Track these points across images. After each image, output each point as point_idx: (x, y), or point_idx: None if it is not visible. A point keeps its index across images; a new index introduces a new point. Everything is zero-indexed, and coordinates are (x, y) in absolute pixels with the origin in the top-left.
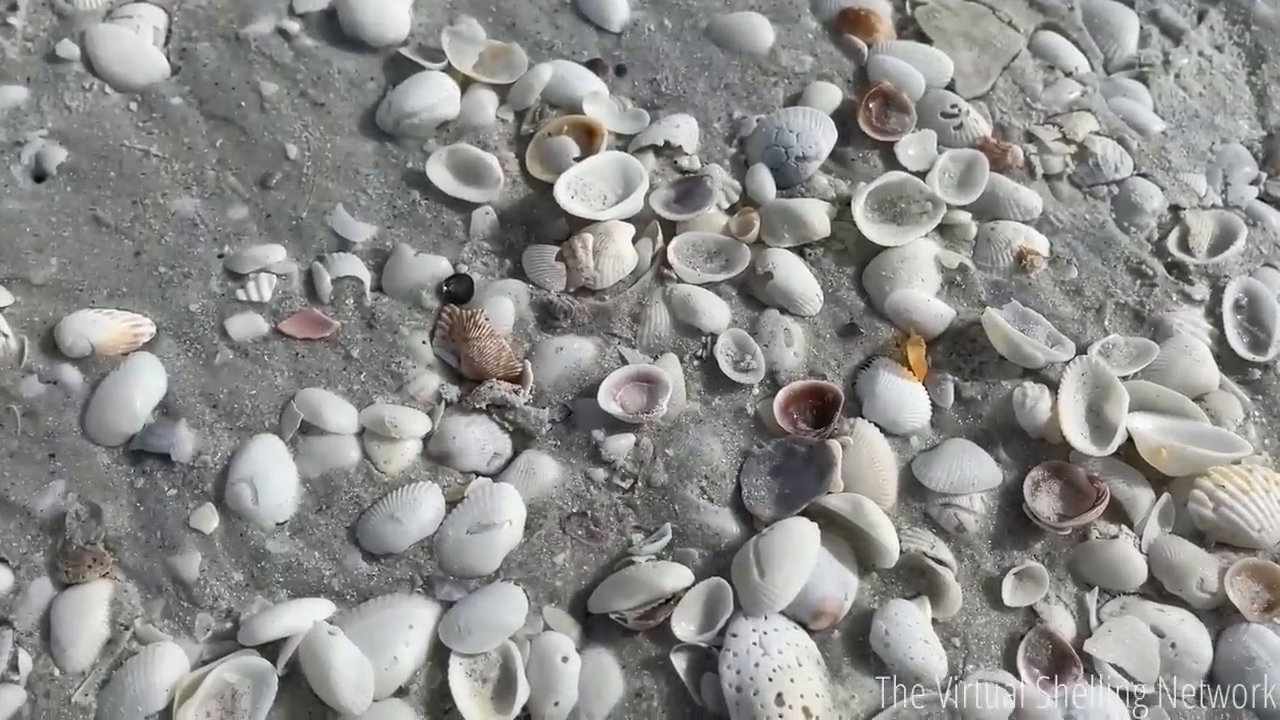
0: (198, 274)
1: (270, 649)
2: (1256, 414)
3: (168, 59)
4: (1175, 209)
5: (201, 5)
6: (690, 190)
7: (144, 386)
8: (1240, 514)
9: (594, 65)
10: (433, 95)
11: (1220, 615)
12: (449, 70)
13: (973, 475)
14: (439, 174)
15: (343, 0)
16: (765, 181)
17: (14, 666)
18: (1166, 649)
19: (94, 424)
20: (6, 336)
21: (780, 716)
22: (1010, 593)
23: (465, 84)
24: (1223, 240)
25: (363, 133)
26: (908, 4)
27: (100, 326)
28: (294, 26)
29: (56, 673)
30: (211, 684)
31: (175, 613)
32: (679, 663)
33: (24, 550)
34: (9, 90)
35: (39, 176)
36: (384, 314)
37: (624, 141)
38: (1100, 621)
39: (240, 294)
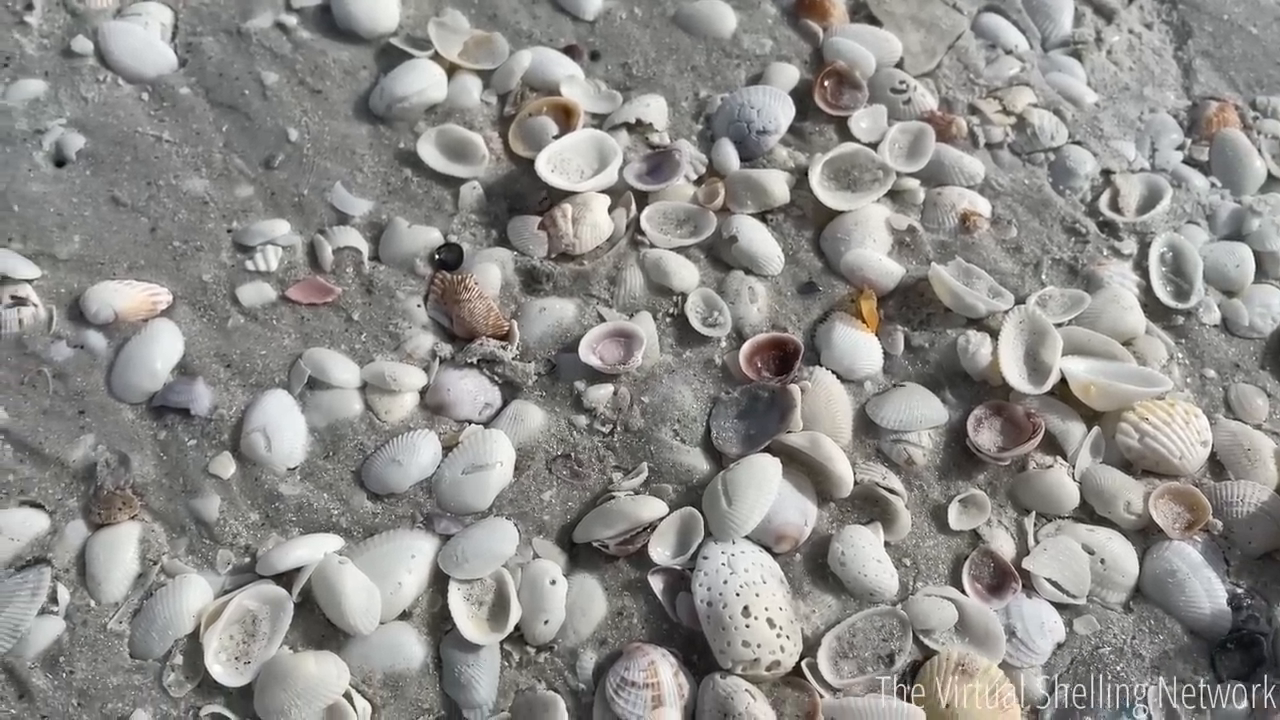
0: (209, 247)
1: (286, 579)
2: (1179, 355)
3: (175, 52)
4: (1106, 173)
5: (205, 2)
6: (660, 163)
7: (163, 349)
8: (1163, 444)
9: (570, 51)
10: (422, 81)
11: (1145, 534)
12: (436, 58)
13: (921, 414)
14: (429, 153)
15: None
16: (729, 154)
17: (53, 599)
18: (1097, 565)
19: (119, 383)
20: (36, 306)
21: (747, 627)
22: (955, 518)
23: (451, 70)
24: (1149, 200)
25: (358, 117)
26: None
27: (122, 296)
28: (291, 20)
29: (92, 604)
30: (234, 610)
31: (198, 549)
32: (656, 584)
33: (59, 496)
34: (29, 83)
35: (60, 162)
36: (381, 280)
37: (599, 120)
38: (1037, 542)
39: (249, 264)
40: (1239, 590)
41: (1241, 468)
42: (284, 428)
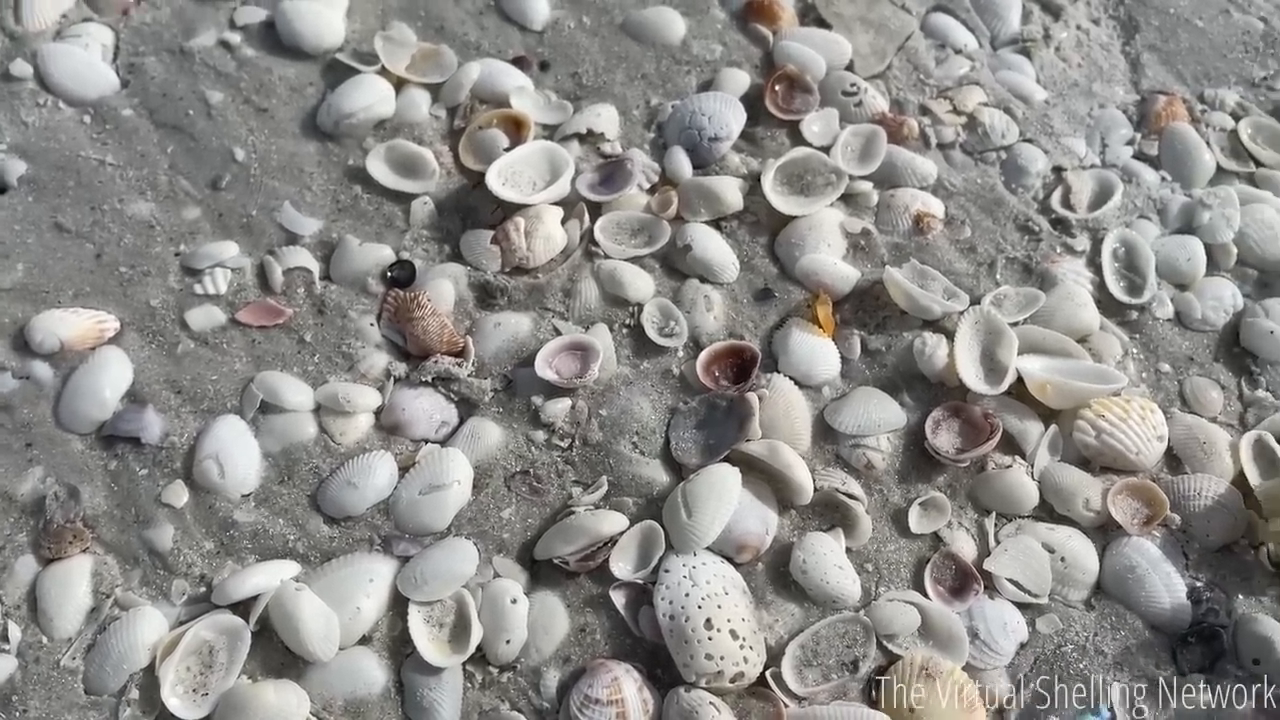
0: (156, 272)
1: (242, 607)
2: (1134, 351)
3: (117, 74)
4: (1058, 170)
5: (147, 22)
6: (613, 173)
7: (112, 377)
8: (1120, 440)
9: (519, 62)
10: (369, 96)
11: (1105, 531)
12: (383, 72)
13: (879, 418)
14: (378, 169)
15: (280, 11)
16: (682, 162)
17: (4, 637)
18: (1057, 563)
19: (67, 414)
20: None
21: (710, 639)
22: (916, 521)
23: (399, 84)
24: (1101, 196)
25: (305, 134)
26: None
27: (67, 324)
28: (235, 38)
29: (45, 640)
30: (190, 641)
31: (152, 580)
32: (618, 599)
33: (7, 531)
34: None
35: (0, 189)
36: (333, 300)
37: (550, 131)
38: (998, 542)
39: (197, 288)
40: (1198, 584)
41: (1198, 461)
42: (237, 454)
